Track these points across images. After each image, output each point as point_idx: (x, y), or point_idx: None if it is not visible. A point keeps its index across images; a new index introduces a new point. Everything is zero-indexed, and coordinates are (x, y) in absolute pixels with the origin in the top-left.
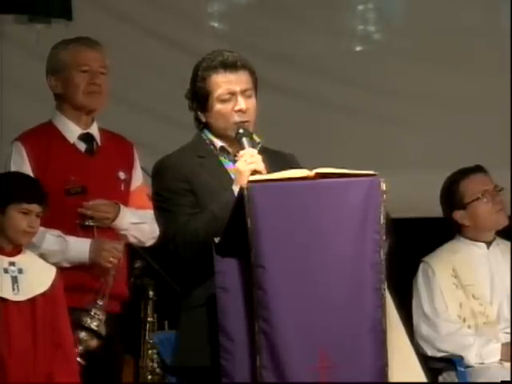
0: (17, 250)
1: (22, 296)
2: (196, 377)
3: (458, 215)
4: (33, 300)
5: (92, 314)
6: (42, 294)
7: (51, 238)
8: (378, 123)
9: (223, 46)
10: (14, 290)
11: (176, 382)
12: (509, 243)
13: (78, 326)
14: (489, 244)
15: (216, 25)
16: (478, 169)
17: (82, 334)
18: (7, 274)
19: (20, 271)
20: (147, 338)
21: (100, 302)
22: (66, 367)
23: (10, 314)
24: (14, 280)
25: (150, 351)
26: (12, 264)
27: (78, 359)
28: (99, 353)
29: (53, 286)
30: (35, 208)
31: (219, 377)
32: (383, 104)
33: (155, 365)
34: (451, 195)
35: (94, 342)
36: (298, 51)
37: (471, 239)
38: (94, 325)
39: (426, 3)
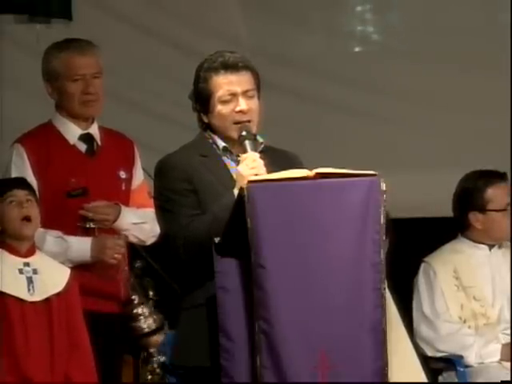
0: (31, 250)
1: (38, 296)
2: (196, 377)
3: (474, 217)
4: (48, 300)
5: (139, 316)
6: (57, 295)
7: (51, 240)
8: (377, 123)
9: (224, 47)
10: (29, 290)
11: (176, 382)
12: (510, 245)
13: (140, 336)
14: (491, 246)
15: (216, 25)
16: (504, 177)
17: (149, 340)
18: (22, 274)
19: (35, 272)
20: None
21: (135, 299)
22: (83, 367)
23: (26, 314)
24: (29, 280)
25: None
26: (27, 265)
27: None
28: (99, 353)
29: (67, 286)
30: (19, 193)
31: (219, 377)
32: (383, 104)
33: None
34: (472, 196)
35: (160, 337)
36: (298, 52)
37: (474, 241)
38: (149, 325)
39: (424, 3)
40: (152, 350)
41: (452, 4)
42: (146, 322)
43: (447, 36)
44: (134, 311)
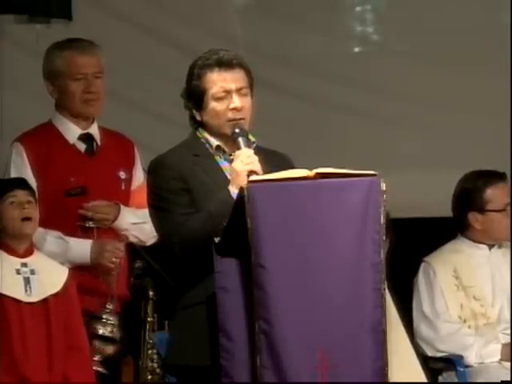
0: (29, 251)
1: (35, 297)
2: (193, 376)
3: (473, 217)
4: (46, 301)
5: (104, 320)
6: (55, 295)
7: (51, 240)
8: (377, 123)
9: (223, 46)
10: (26, 291)
11: (176, 382)
12: (510, 244)
13: (92, 335)
14: (491, 246)
15: (216, 25)
16: (504, 177)
17: (98, 343)
18: (19, 275)
19: (32, 272)
20: (147, 338)
21: (109, 306)
22: (81, 368)
23: (23, 315)
24: (27, 281)
25: (149, 351)
26: (24, 265)
27: (99, 368)
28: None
29: (65, 286)
30: (20, 193)
31: (218, 376)
32: (383, 104)
33: (155, 365)
34: (471, 196)
35: (110, 349)
36: (297, 52)
37: (474, 241)
38: (107, 331)
39: (423, 4)
40: (95, 358)
41: (452, 4)
42: (105, 328)
43: (447, 36)
44: (102, 315)
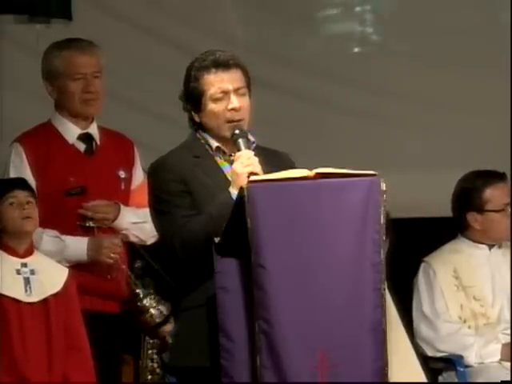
0: (29, 251)
1: (35, 297)
2: (195, 377)
3: (472, 217)
4: (46, 301)
5: (149, 311)
6: (55, 295)
7: (48, 239)
8: (377, 123)
9: (223, 47)
10: (26, 291)
11: (176, 382)
12: (510, 244)
13: (152, 327)
14: (491, 246)
15: (216, 25)
16: (503, 177)
17: (160, 330)
18: (19, 275)
19: (32, 272)
20: (147, 338)
21: (140, 293)
22: (81, 367)
23: (23, 315)
24: (27, 281)
25: (149, 351)
26: (24, 265)
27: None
28: (97, 353)
29: (65, 286)
30: (20, 194)
31: (219, 377)
32: (383, 104)
33: (155, 365)
34: (470, 196)
35: (169, 327)
36: (297, 52)
37: (474, 241)
38: (160, 315)
39: (423, 4)
40: (168, 338)
41: (451, 4)
42: (156, 312)
43: (447, 36)
44: (140, 304)
